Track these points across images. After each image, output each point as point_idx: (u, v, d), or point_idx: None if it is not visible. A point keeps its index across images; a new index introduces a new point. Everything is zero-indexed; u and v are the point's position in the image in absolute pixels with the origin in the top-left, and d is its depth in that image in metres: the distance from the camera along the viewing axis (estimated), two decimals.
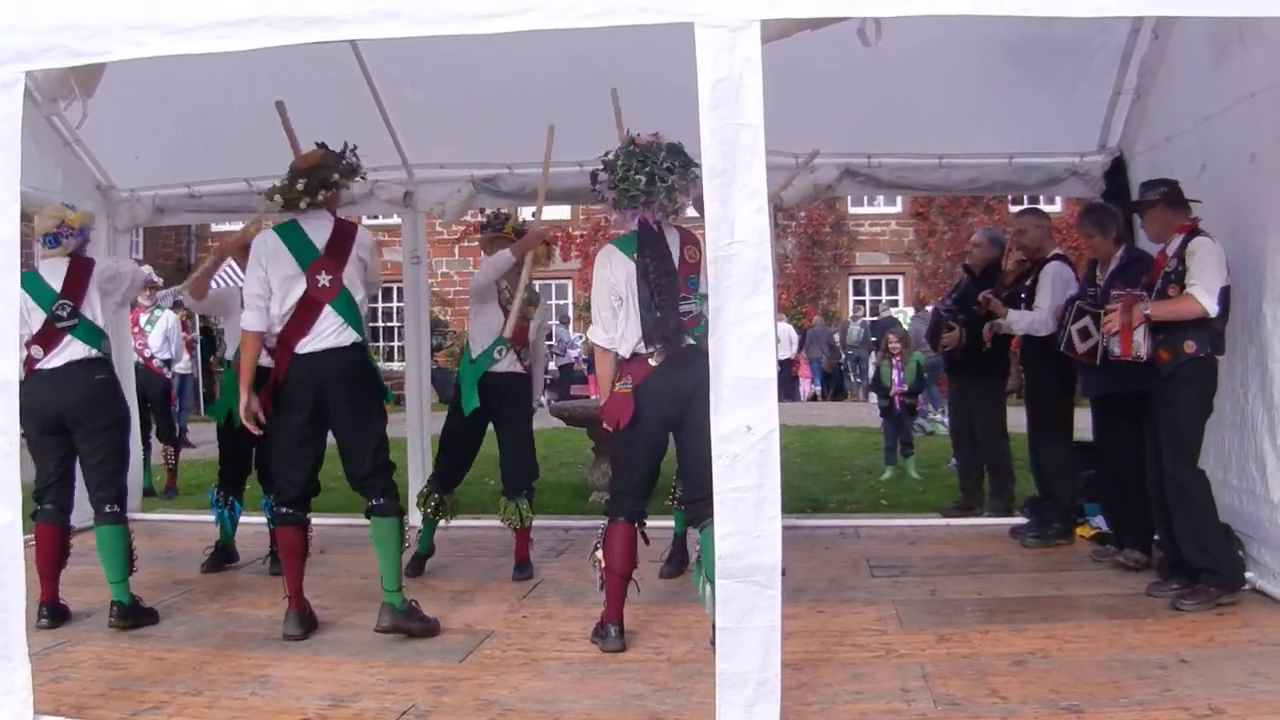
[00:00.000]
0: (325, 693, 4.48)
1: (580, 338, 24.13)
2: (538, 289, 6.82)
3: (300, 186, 5.27)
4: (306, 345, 5.23)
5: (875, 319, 23.25)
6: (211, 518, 7.03)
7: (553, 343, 24.49)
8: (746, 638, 3.80)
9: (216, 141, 7.55)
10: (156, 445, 10.40)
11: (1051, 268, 7.04)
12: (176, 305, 10.70)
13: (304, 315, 5.23)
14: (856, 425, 16.51)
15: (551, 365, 23.51)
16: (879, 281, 27.47)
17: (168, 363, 10.35)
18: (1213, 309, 5.32)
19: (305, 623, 5.30)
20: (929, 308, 16.46)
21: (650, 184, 4.96)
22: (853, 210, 26.82)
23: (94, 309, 5.59)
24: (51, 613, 5.48)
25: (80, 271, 5.63)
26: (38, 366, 5.41)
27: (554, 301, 27.40)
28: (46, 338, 5.45)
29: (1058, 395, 7.11)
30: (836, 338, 24.74)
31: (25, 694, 4.05)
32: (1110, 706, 4.14)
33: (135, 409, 7.47)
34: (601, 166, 5.18)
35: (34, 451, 5.43)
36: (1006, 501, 7.95)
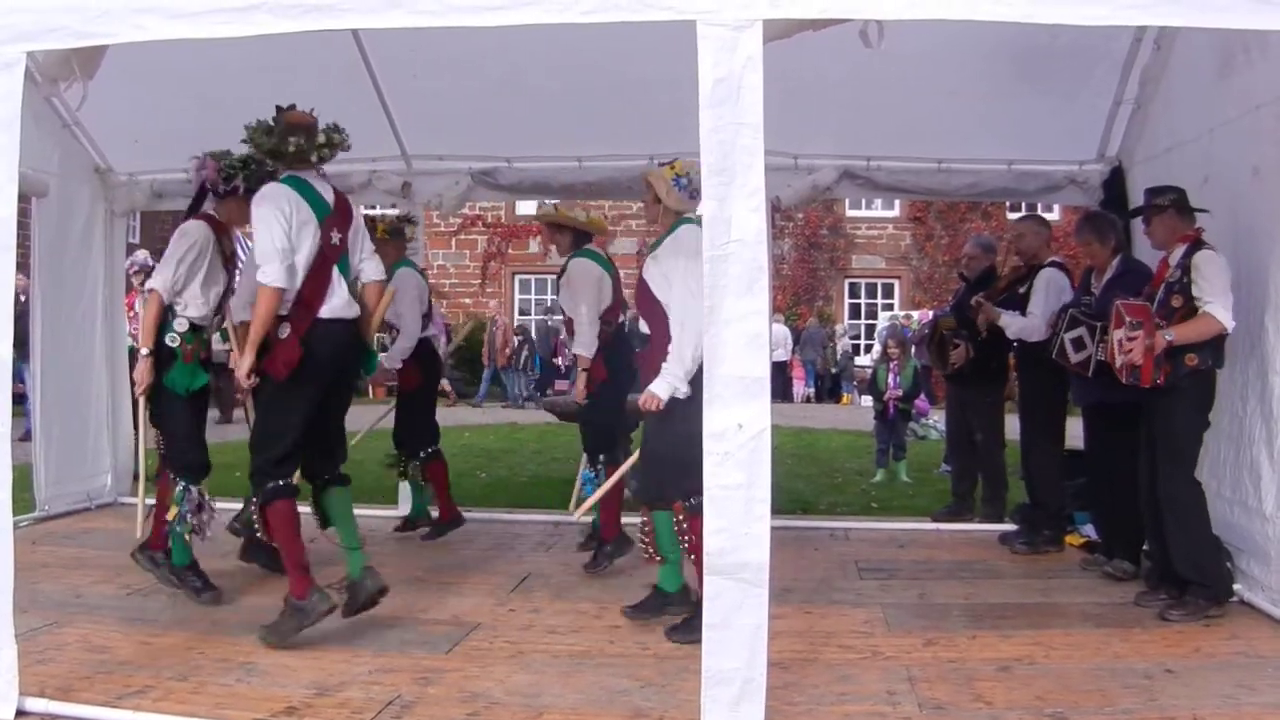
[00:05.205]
0: (310, 681, 4.48)
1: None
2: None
3: (302, 142, 5.00)
4: (326, 311, 4.99)
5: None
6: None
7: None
8: (733, 635, 3.81)
9: (215, 127, 7.43)
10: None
11: (1046, 274, 7.03)
12: None
13: (320, 275, 4.98)
14: (849, 428, 16.54)
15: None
16: (875, 285, 27.50)
17: None
18: (1230, 325, 5.31)
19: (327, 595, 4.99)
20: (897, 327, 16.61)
21: None
22: (850, 213, 26.87)
23: None
24: None
25: None
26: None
27: (550, 296, 27.40)
28: None
29: (1051, 403, 7.12)
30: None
31: (11, 675, 4.06)
32: (1095, 714, 4.15)
33: (127, 391, 7.51)
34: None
35: None
36: (999, 508, 7.94)
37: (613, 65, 6.45)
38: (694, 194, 5.06)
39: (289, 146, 4.97)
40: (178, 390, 5.52)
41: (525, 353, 23.15)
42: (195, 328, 5.58)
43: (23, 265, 5.29)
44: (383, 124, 7.72)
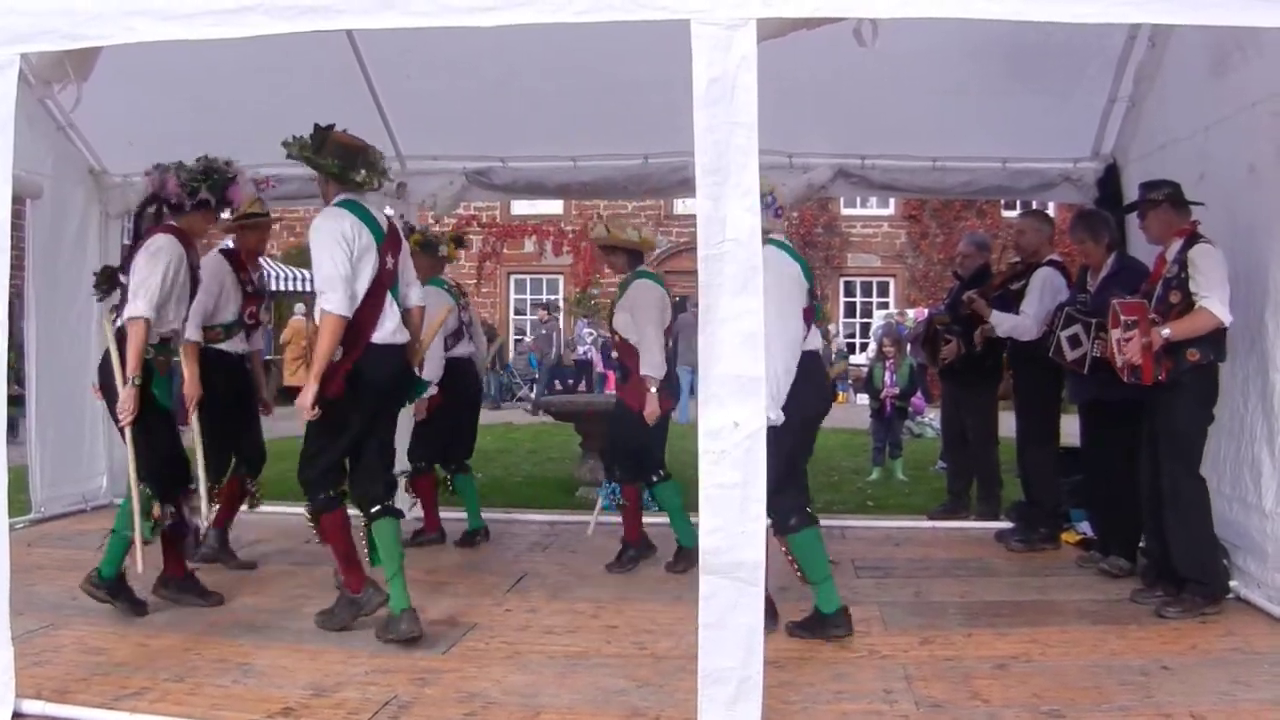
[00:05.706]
0: (307, 682, 4.48)
1: (591, 333, 23.54)
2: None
3: (362, 165, 5.03)
4: (379, 336, 5.01)
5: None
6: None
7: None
8: (729, 634, 3.80)
9: (209, 128, 7.49)
10: None
11: (1042, 273, 7.02)
12: None
13: (374, 300, 4.98)
14: (844, 426, 16.52)
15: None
16: (870, 283, 27.52)
17: None
18: (1228, 319, 5.29)
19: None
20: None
21: None
22: (845, 211, 26.93)
23: None
24: None
25: None
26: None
27: (545, 296, 27.40)
28: None
29: (1046, 401, 7.12)
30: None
31: (7, 678, 4.05)
32: (1092, 711, 4.15)
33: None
34: None
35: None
36: (994, 506, 7.94)
37: (607, 65, 6.45)
38: (778, 213, 5.02)
39: (357, 176, 5.01)
40: (161, 404, 5.35)
41: (496, 352, 22.95)
42: (163, 342, 5.44)
43: (17, 267, 5.20)
44: (377, 124, 7.70)
